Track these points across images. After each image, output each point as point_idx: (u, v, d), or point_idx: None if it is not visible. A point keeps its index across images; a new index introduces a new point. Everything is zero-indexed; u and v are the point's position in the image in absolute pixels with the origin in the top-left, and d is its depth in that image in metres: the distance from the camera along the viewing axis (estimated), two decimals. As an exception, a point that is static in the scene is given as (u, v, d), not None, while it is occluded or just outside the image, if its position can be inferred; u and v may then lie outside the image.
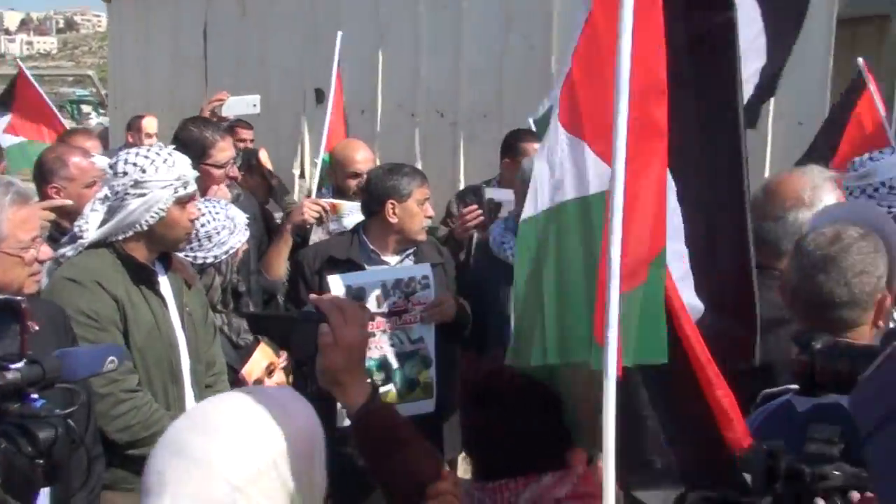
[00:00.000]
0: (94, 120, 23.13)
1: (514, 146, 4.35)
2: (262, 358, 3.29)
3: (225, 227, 3.29)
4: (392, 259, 3.55)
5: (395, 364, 3.35)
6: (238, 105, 4.97)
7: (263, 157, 5.49)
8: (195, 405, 1.51)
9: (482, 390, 1.87)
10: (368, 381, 1.72)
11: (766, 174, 5.61)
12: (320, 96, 7.16)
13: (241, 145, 5.90)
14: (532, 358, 1.85)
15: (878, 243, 2.08)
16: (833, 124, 4.19)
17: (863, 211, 2.29)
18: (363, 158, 4.39)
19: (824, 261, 2.03)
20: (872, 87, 4.09)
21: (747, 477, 1.42)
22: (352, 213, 3.99)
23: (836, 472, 1.38)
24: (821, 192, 2.62)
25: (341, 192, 4.35)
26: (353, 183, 4.30)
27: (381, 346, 3.33)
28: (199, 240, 3.22)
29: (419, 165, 5.93)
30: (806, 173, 2.73)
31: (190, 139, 3.84)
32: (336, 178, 4.46)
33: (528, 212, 1.93)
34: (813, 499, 1.39)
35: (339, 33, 5.06)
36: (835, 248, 2.04)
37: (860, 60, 4.21)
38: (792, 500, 1.39)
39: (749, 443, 1.67)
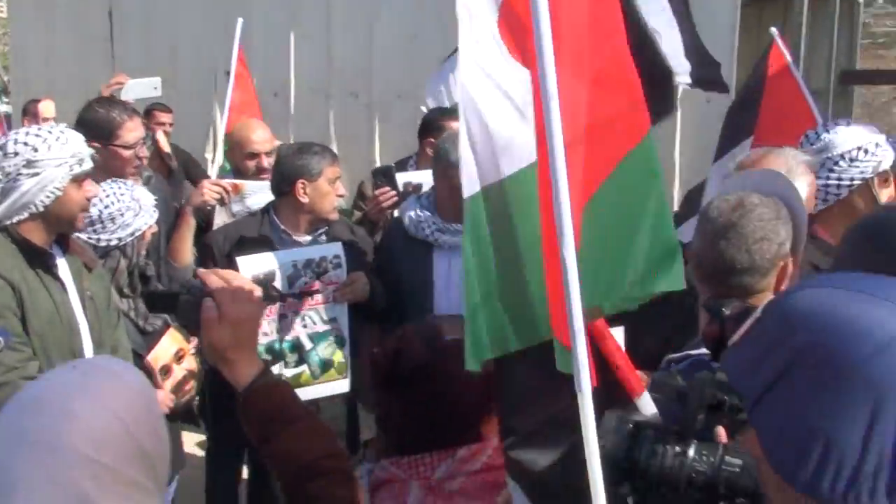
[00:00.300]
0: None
1: (435, 125, 4.32)
2: (172, 344, 3.20)
3: (129, 209, 3.19)
4: (303, 239, 3.50)
5: (307, 345, 3.30)
6: (138, 88, 4.81)
7: (161, 139, 5.36)
8: (20, 390, 1.40)
9: (391, 369, 1.84)
10: (260, 359, 1.68)
11: (677, 154, 5.72)
12: (232, 78, 7.03)
13: (160, 128, 5.76)
14: (491, 350, 1.81)
15: (780, 210, 2.10)
16: (746, 101, 4.20)
17: (769, 179, 2.31)
18: (260, 138, 4.29)
19: (726, 228, 2.06)
20: (787, 54, 4.10)
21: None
22: (255, 194, 3.92)
23: None
24: (793, 175, 2.65)
25: (241, 173, 4.26)
26: (251, 164, 4.23)
27: (293, 327, 3.28)
28: (102, 221, 3.12)
29: (334, 147, 5.86)
30: (781, 155, 2.77)
31: (96, 120, 3.70)
32: (235, 158, 4.37)
33: (468, 190, 1.86)
34: (739, 427, 1.40)
35: (240, 20, 4.98)
36: (736, 214, 2.06)
37: (773, 30, 4.24)
38: (711, 432, 1.40)
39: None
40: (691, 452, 1.33)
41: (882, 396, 1.03)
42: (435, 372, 1.80)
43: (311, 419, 1.68)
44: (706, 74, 2.68)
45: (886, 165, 2.92)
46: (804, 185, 2.61)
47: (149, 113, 5.81)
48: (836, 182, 2.80)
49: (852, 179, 2.81)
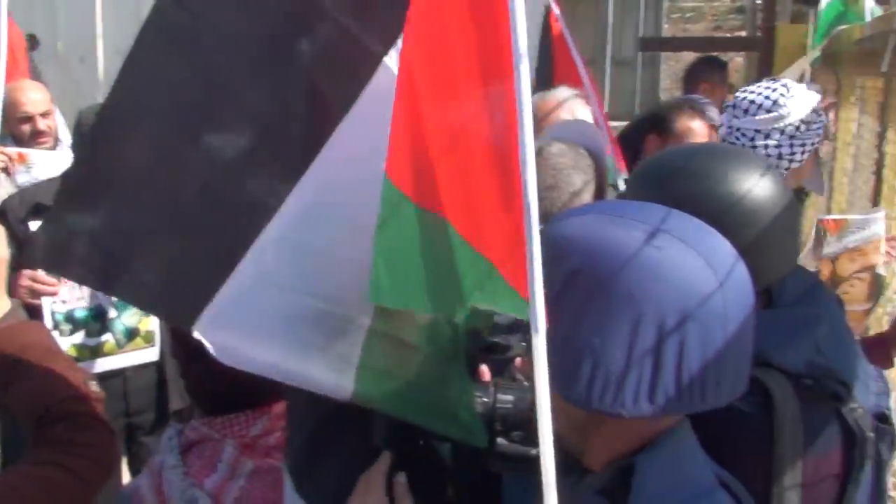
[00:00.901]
0: None
1: None
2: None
3: None
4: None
5: (111, 313, 3.19)
6: None
7: None
8: None
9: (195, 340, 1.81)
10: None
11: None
12: (33, 43, 6.62)
13: None
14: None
15: (580, 160, 2.14)
16: (540, 71, 4.26)
17: (577, 130, 2.36)
18: (31, 99, 3.96)
19: None
20: (562, 22, 4.15)
21: None
22: (41, 163, 3.70)
23: (523, 343, 1.44)
24: (572, 105, 2.68)
25: (17, 140, 3.93)
26: (25, 128, 3.92)
27: (96, 295, 3.16)
28: None
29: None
30: (553, 92, 2.83)
31: None
32: (9, 124, 4.00)
33: None
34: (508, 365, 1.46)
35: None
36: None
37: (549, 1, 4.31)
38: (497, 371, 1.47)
39: None
40: (465, 400, 1.38)
41: (636, 306, 1.12)
42: None
43: (58, 361, 1.60)
44: None
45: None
46: (586, 114, 2.65)
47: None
48: (801, 149, 2.63)
49: (813, 144, 2.67)
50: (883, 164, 3.65)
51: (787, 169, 2.62)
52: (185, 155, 1.35)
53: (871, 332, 3.16)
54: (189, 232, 1.36)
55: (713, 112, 3.82)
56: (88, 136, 1.37)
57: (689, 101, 3.69)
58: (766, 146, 2.60)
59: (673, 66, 11.35)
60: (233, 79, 1.36)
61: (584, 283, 1.16)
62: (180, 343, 1.86)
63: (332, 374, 1.37)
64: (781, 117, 2.60)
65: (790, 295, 1.61)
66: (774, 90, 2.65)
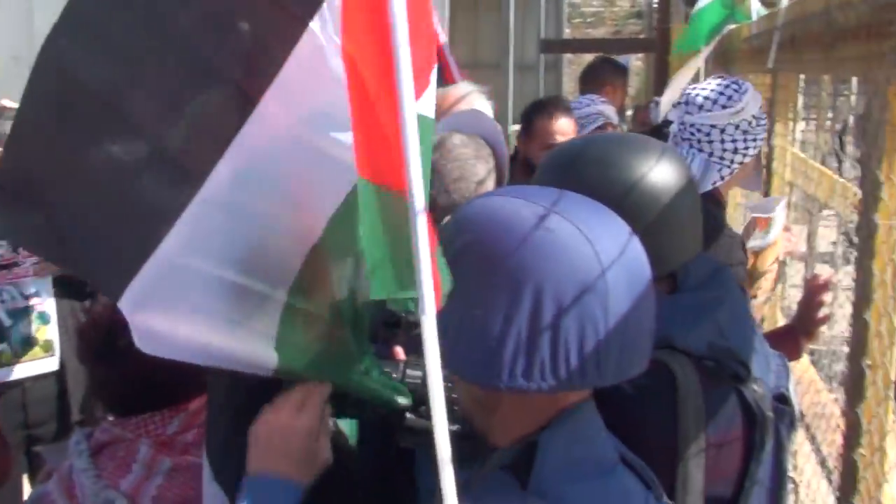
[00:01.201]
0: None
1: None
2: None
3: None
4: None
5: (6, 321, 3.08)
6: None
7: None
8: None
9: (106, 340, 1.77)
10: None
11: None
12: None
13: None
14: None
15: (480, 150, 2.17)
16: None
17: (474, 120, 2.38)
18: None
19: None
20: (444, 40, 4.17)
21: None
22: None
23: None
24: (472, 99, 2.69)
25: None
26: None
27: (-11, 303, 3.05)
28: None
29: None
30: (454, 87, 2.85)
31: None
32: None
33: None
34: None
35: None
36: (436, 155, 2.09)
37: None
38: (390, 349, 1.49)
39: None
40: (375, 373, 1.39)
41: (521, 283, 1.13)
42: None
43: None
44: None
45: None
46: (487, 107, 2.69)
47: None
48: (753, 143, 2.68)
49: (762, 139, 2.72)
50: (772, 157, 3.78)
51: (739, 164, 2.67)
52: (113, 121, 1.32)
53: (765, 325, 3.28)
54: (121, 201, 1.33)
55: (610, 111, 3.93)
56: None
57: (553, 101, 3.80)
58: (723, 140, 2.64)
59: (575, 69, 11.56)
60: (157, 46, 1.33)
61: (473, 258, 1.18)
62: (88, 345, 1.82)
63: (254, 348, 1.35)
64: (737, 112, 2.64)
65: (694, 280, 1.65)
66: (728, 86, 2.70)
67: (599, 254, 1.16)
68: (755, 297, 2.92)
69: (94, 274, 1.41)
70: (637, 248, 1.23)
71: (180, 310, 1.34)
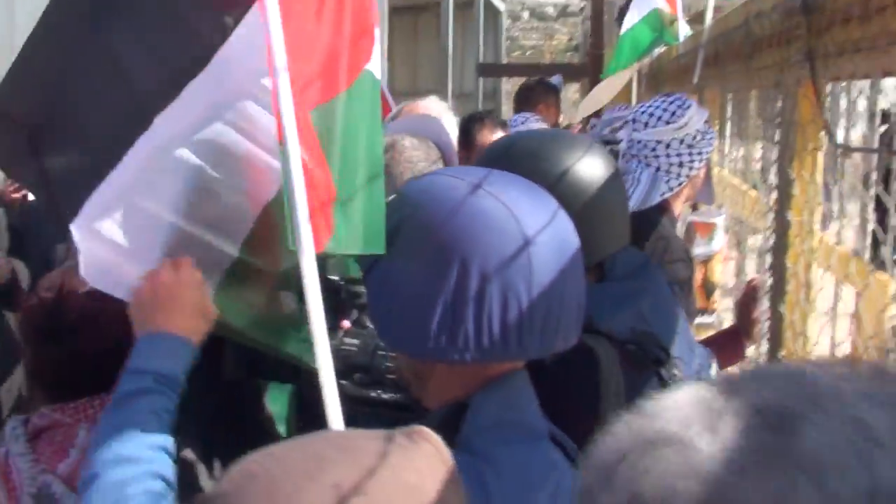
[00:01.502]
0: None
1: None
2: None
3: None
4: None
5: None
6: None
7: None
8: None
9: (51, 322, 1.76)
10: None
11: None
12: None
13: None
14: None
15: (430, 151, 2.23)
16: None
17: (422, 123, 2.45)
18: None
19: None
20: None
21: None
22: None
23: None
24: (443, 116, 2.72)
25: None
26: None
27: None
28: None
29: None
30: (426, 101, 2.91)
31: None
32: None
33: None
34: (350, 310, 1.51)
35: None
36: (387, 156, 2.12)
37: None
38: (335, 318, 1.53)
39: None
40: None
41: (446, 259, 1.18)
42: (102, 317, 1.74)
43: None
44: None
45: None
46: (453, 125, 2.75)
47: None
48: (698, 157, 2.72)
49: (708, 153, 2.79)
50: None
51: (686, 177, 2.73)
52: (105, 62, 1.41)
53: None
54: (90, 127, 1.42)
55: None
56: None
57: (489, 115, 3.93)
58: (668, 155, 2.71)
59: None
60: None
61: (408, 232, 1.22)
62: (33, 325, 1.81)
63: None
64: (680, 127, 2.71)
65: (620, 270, 1.72)
66: (672, 103, 2.77)
67: (525, 229, 1.20)
68: (713, 310, 2.98)
69: (57, 192, 1.45)
70: (564, 226, 1.27)
71: (127, 247, 1.38)
